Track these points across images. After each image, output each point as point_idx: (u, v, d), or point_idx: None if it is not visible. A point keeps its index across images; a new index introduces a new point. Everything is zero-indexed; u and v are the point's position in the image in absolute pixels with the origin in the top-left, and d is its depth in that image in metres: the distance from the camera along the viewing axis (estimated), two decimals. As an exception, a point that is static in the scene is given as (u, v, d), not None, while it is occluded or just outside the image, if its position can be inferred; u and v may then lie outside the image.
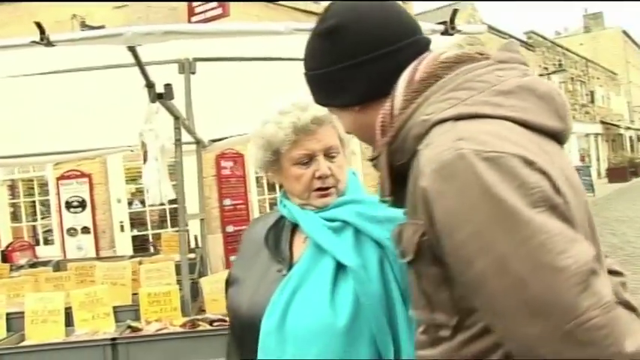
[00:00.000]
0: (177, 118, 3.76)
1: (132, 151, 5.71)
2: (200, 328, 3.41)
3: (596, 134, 37.98)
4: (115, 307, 3.69)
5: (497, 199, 0.91)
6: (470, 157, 0.94)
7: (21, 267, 6.02)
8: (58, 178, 8.77)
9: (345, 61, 1.18)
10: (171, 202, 10.05)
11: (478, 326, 1.02)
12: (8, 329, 3.65)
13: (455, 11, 3.38)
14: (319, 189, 1.56)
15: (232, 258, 8.74)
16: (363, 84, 1.19)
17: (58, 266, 5.89)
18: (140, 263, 4.72)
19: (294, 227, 1.62)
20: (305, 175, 1.56)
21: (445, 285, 1.04)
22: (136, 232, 9.63)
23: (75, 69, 3.95)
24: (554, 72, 28.26)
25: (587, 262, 0.89)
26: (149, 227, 9.86)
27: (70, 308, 3.60)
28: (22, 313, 3.61)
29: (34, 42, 2.75)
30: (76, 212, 8.40)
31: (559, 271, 0.87)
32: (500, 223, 0.91)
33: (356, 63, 1.18)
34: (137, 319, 3.66)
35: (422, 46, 1.21)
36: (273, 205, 11.50)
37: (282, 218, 1.67)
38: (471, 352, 1.03)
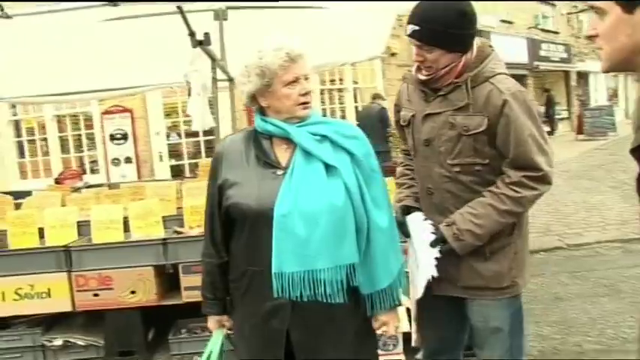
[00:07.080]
0: (213, 60, 4.44)
1: (171, 88, 6.35)
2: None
3: (626, 73, 37.43)
4: (163, 217, 4.47)
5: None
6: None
7: (78, 189, 6.83)
8: (103, 113, 9.46)
9: None
10: (205, 133, 10.79)
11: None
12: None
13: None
14: (303, 103, 2.06)
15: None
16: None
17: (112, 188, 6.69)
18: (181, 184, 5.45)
19: (270, 139, 2.10)
20: (293, 93, 2.03)
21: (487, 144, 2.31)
22: (173, 162, 10.38)
23: (121, 17, 4.63)
24: (582, 10, 27.73)
25: None
26: (185, 157, 10.58)
27: (127, 218, 4.36)
28: (88, 221, 4.41)
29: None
30: (119, 144, 9.15)
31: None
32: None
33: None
34: (181, 226, 4.45)
35: None
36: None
37: (252, 134, 2.14)
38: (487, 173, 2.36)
